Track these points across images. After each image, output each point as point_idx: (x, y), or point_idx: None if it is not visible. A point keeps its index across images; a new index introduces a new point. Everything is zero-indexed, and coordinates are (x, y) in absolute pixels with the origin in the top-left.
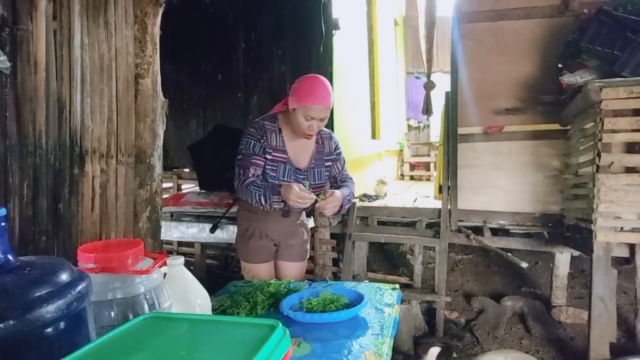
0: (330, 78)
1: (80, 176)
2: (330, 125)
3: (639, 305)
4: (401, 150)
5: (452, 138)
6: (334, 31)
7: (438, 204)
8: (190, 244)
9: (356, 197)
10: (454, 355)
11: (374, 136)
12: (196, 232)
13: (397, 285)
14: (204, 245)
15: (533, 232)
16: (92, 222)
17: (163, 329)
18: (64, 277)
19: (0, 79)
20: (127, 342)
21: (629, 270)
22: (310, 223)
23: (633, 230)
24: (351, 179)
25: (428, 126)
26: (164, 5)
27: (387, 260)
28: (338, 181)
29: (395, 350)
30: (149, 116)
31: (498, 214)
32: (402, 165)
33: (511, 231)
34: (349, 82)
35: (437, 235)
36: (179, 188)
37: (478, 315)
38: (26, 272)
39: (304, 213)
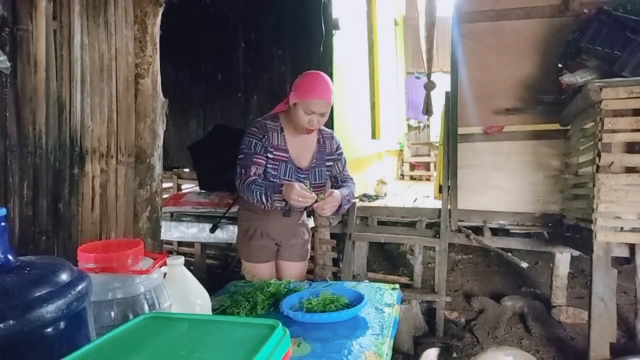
0: (330, 78)
1: (80, 176)
2: (330, 125)
3: (639, 305)
4: (401, 150)
5: (452, 138)
6: (334, 31)
7: (438, 204)
8: (190, 244)
9: (356, 197)
10: (454, 355)
11: (374, 136)
12: (196, 232)
13: (397, 285)
14: (204, 245)
15: (533, 232)
16: (92, 222)
17: (163, 329)
18: (64, 277)
19: (0, 79)
20: (127, 342)
21: (629, 270)
22: (311, 223)
23: (633, 230)
24: (352, 179)
25: (428, 126)
26: (164, 5)
27: (387, 260)
28: (339, 181)
29: (395, 350)
30: (149, 116)
31: (498, 214)
32: (402, 165)
33: (511, 231)
34: (349, 82)
35: (437, 235)
36: (179, 188)
37: (478, 315)
38: (26, 272)
39: (304, 213)
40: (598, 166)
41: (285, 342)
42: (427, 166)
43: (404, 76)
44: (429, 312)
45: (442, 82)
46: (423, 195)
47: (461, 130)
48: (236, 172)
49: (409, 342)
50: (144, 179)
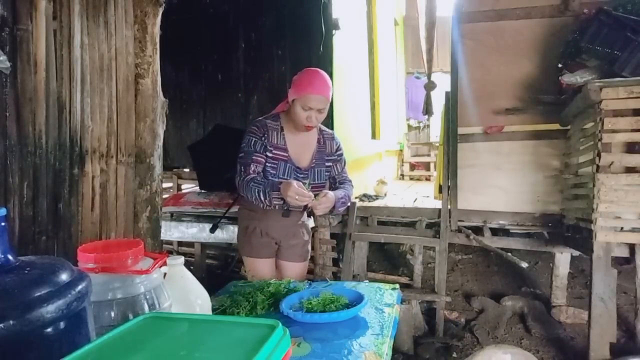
0: (330, 78)
1: (80, 176)
2: (330, 125)
3: (639, 305)
4: (401, 150)
5: (452, 138)
6: (334, 31)
7: (438, 204)
8: (190, 244)
9: (356, 197)
10: (454, 355)
11: (374, 136)
12: (196, 232)
13: (397, 285)
14: (204, 245)
15: (533, 232)
16: (92, 222)
17: (163, 329)
18: (64, 277)
19: (0, 79)
20: (127, 342)
21: (629, 270)
22: (311, 223)
23: (633, 230)
24: (350, 181)
25: (428, 126)
26: (164, 5)
27: (387, 260)
28: (336, 182)
29: (395, 350)
30: (149, 116)
31: (498, 214)
32: (402, 165)
33: (511, 231)
34: (349, 82)
35: (437, 235)
36: (179, 188)
37: (478, 315)
38: (26, 272)
39: (305, 214)
40: (598, 166)
41: (285, 342)
42: (427, 166)
43: (404, 76)
44: (429, 312)
45: (442, 82)
46: (423, 195)
47: (461, 130)
48: (236, 170)
49: (409, 342)
50: (144, 179)
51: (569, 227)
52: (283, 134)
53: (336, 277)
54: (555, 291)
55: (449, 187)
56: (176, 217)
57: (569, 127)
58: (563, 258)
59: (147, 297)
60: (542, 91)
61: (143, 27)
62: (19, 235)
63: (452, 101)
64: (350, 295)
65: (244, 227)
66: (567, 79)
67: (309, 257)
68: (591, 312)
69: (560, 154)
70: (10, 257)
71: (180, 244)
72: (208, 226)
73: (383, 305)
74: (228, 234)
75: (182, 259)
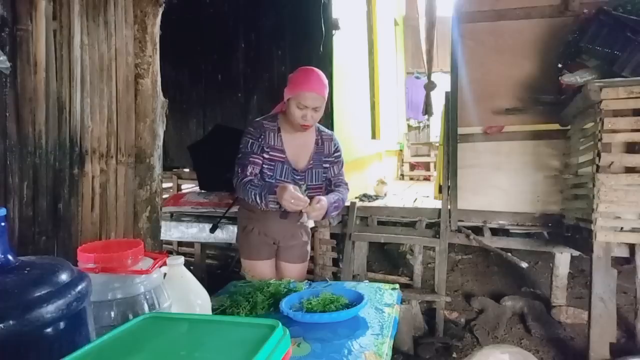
0: (330, 78)
1: (80, 176)
2: (330, 125)
3: (639, 305)
4: (401, 150)
5: (452, 138)
6: (334, 31)
7: (438, 204)
8: (190, 244)
9: (356, 197)
10: (454, 355)
11: (374, 136)
12: (196, 232)
13: (397, 285)
14: (204, 245)
15: (533, 232)
16: (92, 222)
17: (163, 329)
18: (64, 277)
19: (0, 79)
20: (127, 342)
21: (629, 270)
22: (310, 223)
23: (633, 230)
24: (346, 184)
25: (428, 126)
26: (164, 5)
27: (387, 260)
28: (332, 184)
29: (395, 350)
30: (149, 116)
31: (498, 214)
32: (402, 165)
33: (511, 231)
34: (349, 82)
35: (437, 235)
36: (179, 188)
37: (478, 315)
38: (26, 272)
39: (304, 215)
40: (598, 166)
41: (285, 342)
42: (427, 166)
43: (404, 76)
44: (429, 312)
45: (442, 82)
46: (423, 195)
47: (461, 130)
48: (234, 172)
49: (409, 342)
50: (144, 179)
51: (569, 227)
52: (280, 134)
53: (336, 277)
54: (555, 291)
55: (449, 187)
56: (176, 217)
57: (568, 127)
58: (563, 258)
59: (147, 297)
60: (542, 91)
61: (143, 27)
62: (19, 235)
63: (452, 101)
64: (350, 296)
65: (242, 227)
66: (567, 79)
67: (309, 258)
68: (591, 312)
69: (560, 154)
70: (10, 257)
71: (180, 244)
72: (208, 226)
73: (383, 305)
74: (228, 234)
75: (182, 259)
